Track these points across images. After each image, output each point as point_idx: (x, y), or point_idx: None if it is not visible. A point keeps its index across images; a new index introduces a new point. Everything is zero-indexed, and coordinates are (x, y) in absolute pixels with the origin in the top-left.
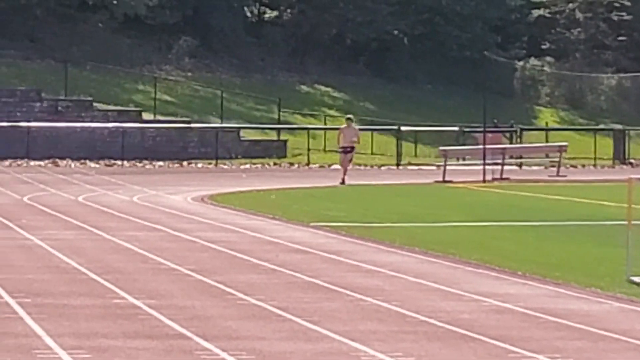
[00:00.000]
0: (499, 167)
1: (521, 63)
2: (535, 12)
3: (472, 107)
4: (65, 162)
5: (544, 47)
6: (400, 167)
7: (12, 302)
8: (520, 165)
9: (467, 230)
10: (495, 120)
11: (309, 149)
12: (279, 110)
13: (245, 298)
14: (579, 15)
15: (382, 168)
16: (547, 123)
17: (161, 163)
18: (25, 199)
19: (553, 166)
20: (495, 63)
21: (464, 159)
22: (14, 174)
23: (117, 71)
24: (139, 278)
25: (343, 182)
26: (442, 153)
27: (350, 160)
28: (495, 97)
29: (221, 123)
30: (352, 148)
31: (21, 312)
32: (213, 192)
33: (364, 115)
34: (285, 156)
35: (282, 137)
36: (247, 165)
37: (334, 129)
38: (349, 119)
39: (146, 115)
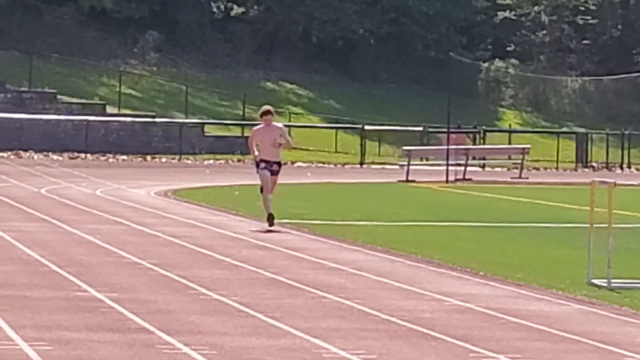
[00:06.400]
0: (462, 167)
1: (486, 64)
2: (501, 14)
3: (436, 108)
4: (28, 154)
5: (508, 49)
6: (364, 166)
7: None
8: (483, 166)
9: (429, 230)
10: (459, 121)
11: None
12: (244, 107)
13: (208, 293)
14: (544, 18)
15: (346, 167)
16: (510, 125)
17: (125, 157)
18: None
19: (516, 168)
20: (460, 64)
21: (427, 159)
22: None
23: (82, 64)
24: (102, 271)
25: (271, 220)
26: (405, 153)
27: (274, 185)
28: (459, 98)
29: (185, 118)
30: (279, 165)
31: None
32: (176, 187)
33: (328, 114)
34: (249, 153)
35: (246, 134)
36: (211, 161)
37: (299, 126)
38: (267, 112)
39: (110, 109)
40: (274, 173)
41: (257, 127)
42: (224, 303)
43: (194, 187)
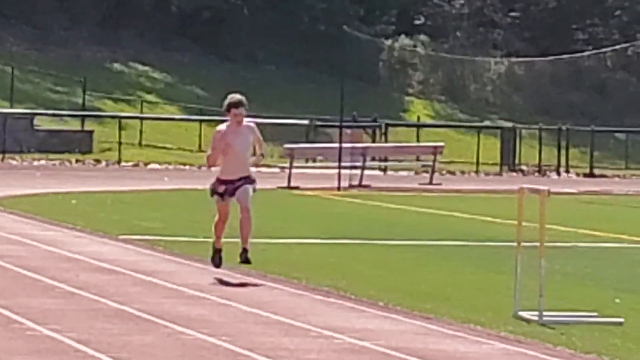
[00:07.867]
0: (359, 171)
1: (389, 42)
2: None
3: (326, 96)
4: None
5: (417, 22)
6: None
7: None
8: (384, 169)
9: (316, 249)
10: (355, 113)
11: (120, 143)
12: (84, 94)
13: (37, 328)
14: None
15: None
16: (419, 118)
17: None
18: None
19: (426, 172)
20: (357, 41)
21: (314, 160)
22: None
23: None
24: None
25: (245, 254)
26: (287, 152)
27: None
28: (356, 84)
29: (10, 107)
30: (249, 181)
31: None
32: None
33: (190, 103)
34: (90, 151)
35: (87, 127)
36: (42, 162)
37: (153, 118)
38: (239, 104)
39: None
40: (247, 182)
41: (223, 126)
42: (56, 340)
43: (21, 194)
